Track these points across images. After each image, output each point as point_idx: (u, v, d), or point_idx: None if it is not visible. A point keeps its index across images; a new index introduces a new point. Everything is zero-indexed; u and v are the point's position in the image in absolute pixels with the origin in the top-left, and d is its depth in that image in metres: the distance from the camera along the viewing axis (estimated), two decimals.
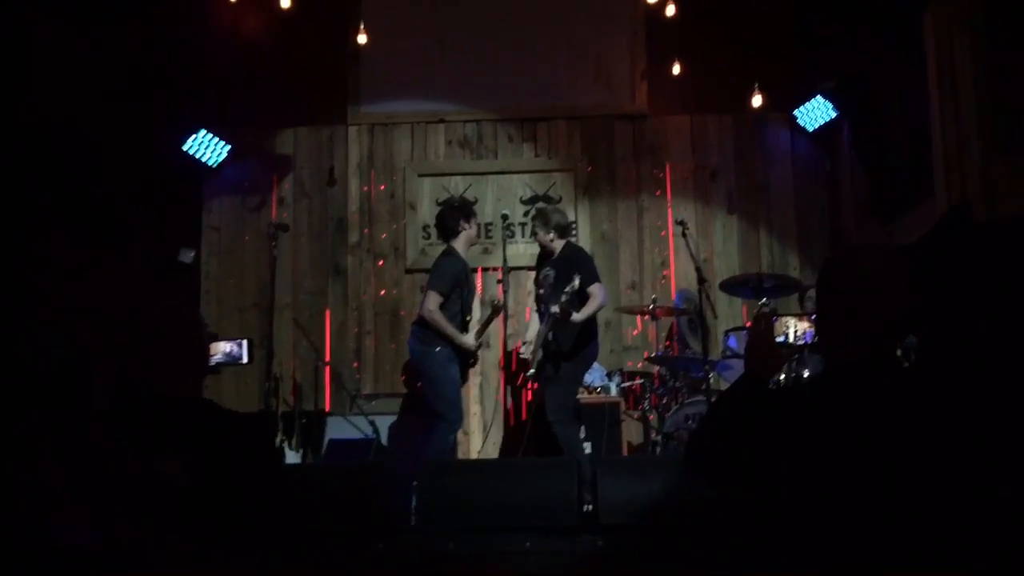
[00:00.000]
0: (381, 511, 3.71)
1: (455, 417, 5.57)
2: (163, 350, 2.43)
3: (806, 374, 4.10)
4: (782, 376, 4.21)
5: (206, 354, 2.55)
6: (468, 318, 5.81)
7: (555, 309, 5.14)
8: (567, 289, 5.12)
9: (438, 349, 5.54)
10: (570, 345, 5.43)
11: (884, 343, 1.68)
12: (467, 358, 5.74)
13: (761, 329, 2.03)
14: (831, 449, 1.64)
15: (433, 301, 5.53)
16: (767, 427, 1.80)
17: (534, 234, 5.62)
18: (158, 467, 2.29)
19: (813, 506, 1.70)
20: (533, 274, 6.15)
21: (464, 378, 5.81)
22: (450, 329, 5.54)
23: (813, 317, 2.16)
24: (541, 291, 5.61)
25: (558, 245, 5.66)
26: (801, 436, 1.72)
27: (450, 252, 5.81)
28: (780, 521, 1.79)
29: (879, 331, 1.67)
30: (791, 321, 2.05)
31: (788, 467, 1.70)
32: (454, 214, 5.94)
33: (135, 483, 2.28)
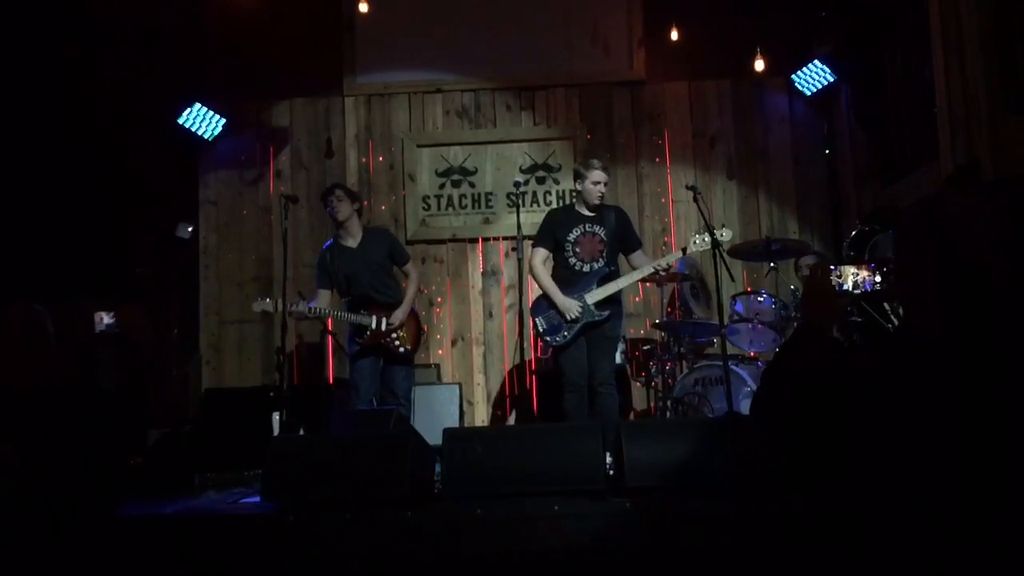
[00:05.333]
0: (406, 480, 3.69)
1: (353, 393, 5.67)
2: (8, 350, 2.74)
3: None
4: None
5: (48, 350, 2.77)
6: (346, 298, 5.82)
7: (676, 255, 5.35)
8: (695, 244, 5.31)
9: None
10: (621, 306, 5.52)
11: (974, 289, 1.66)
12: (360, 335, 5.70)
13: (818, 279, 2.03)
14: (921, 402, 1.62)
15: None
16: (837, 377, 1.78)
17: (577, 185, 5.53)
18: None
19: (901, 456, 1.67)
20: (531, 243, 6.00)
21: (373, 353, 5.72)
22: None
23: (873, 265, 2.16)
24: (579, 248, 5.43)
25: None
26: (886, 387, 1.69)
27: None
28: (854, 474, 1.78)
29: (967, 276, 1.65)
30: (850, 269, 2.04)
31: (868, 420, 1.69)
32: None
33: None
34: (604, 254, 5.40)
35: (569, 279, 5.41)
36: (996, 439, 1.53)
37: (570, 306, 5.29)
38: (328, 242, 5.89)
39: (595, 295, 5.31)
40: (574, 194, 7.09)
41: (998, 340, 1.62)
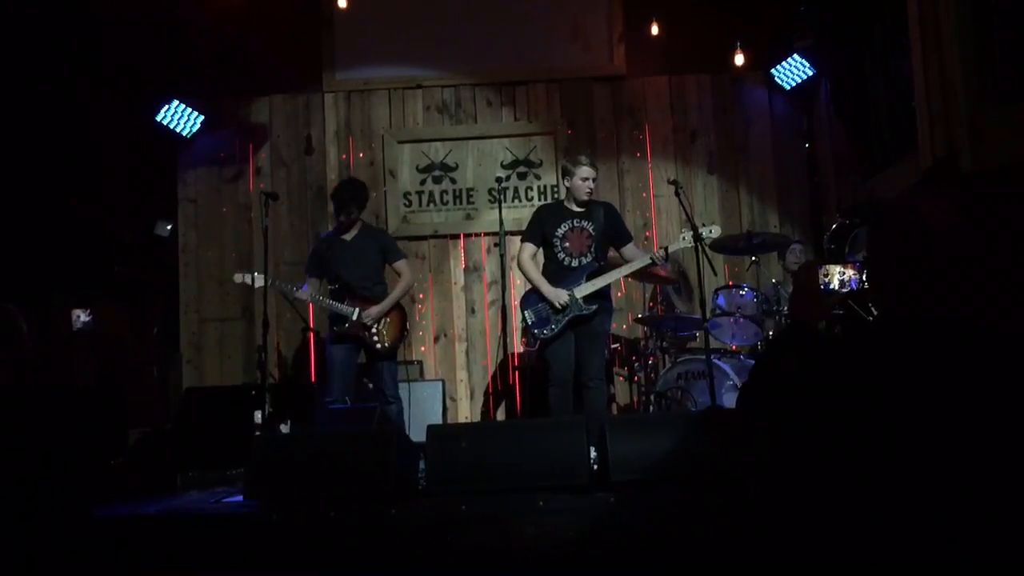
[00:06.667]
0: (389, 476, 3.68)
1: (327, 385, 5.70)
2: None
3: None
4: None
5: (22, 349, 2.76)
6: (332, 287, 5.88)
7: (660, 254, 5.30)
8: (685, 239, 5.30)
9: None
10: (610, 301, 5.52)
11: (942, 293, 1.66)
12: (339, 323, 5.73)
13: (804, 277, 2.02)
14: (878, 403, 1.61)
15: None
16: (813, 377, 1.78)
17: (566, 182, 5.52)
18: None
19: (850, 462, 1.66)
20: (517, 239, 5.99)
21: (349, 343, 5.73)
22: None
23: (859, 264, 2.18)
24: (567, 244, 5.39)
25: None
26: (847, 388, 1.69)
27: None
28: (813, 473, 1.76)
29: (936, 280, 1.64)
30: (836, 268, 2.05)
31: (828, 419, 1.68)
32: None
33: None
34: (592, 249, 5.39)
35: (558, 274, 5.39)
36: (980, 439, 1.54)
37: (560, 293, 5.27)
38: (327, 232, 6.05)
39: (583, 289, 5.30)
40: (556, 190, 7.19)
41: (973, 341, 1.62)
